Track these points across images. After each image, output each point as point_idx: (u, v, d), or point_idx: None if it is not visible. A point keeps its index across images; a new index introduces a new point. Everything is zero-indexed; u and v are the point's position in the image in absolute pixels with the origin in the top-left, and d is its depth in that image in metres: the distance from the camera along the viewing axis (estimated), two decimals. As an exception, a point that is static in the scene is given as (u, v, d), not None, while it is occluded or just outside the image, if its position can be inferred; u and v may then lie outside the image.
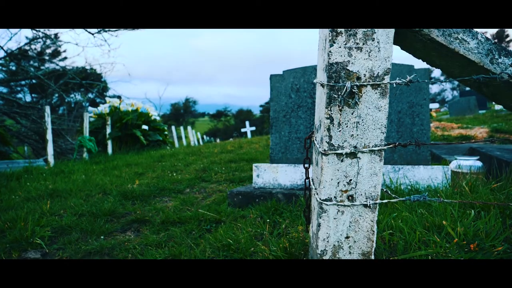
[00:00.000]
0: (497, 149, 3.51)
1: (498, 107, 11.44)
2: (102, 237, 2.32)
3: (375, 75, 1.13)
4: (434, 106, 14.95)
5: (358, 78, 1.12)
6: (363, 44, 1.11)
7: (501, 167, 2.76)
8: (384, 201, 1.27)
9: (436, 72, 37.67)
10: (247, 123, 18.16)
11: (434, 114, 13.14)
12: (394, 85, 1.15)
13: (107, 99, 9.41)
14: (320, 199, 1.21)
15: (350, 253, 1.23)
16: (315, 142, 1.29)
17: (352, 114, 1.14)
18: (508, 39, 37.56)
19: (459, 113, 11.80)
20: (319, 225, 1.22)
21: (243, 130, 18.13)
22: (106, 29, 9.86)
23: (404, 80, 1.16)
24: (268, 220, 2.26)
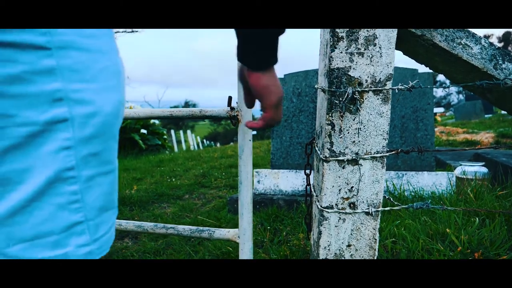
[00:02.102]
0: (503, 155, 3.47)
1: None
2: (100, 243, 2.29)
3: (377, 81, 1.10)
4: (439, 110, 14.87)
5: (360, 84, 1.10)
6: (365, 49, 1.09)
7: (507, 174, 2.72)
8: (387, 208, 1.24)
9: (442, 76, 37.50)
10: (248, 127, 18.08)
11: (439, 118, 13.04)
12: (397, 91, 1.13)
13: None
14: (321, 206, 1.18)
15: (352, 262, 1.20)
16: (316, 148, 1.27)
17: (354, 120, 1.12)
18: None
19: (465, 118, 11.69)
20: (320, 233, 1.20)
21: (244, 134, 18.02)
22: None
23: (406, 86, 1.14)
24: (268, 227, 2.23)
